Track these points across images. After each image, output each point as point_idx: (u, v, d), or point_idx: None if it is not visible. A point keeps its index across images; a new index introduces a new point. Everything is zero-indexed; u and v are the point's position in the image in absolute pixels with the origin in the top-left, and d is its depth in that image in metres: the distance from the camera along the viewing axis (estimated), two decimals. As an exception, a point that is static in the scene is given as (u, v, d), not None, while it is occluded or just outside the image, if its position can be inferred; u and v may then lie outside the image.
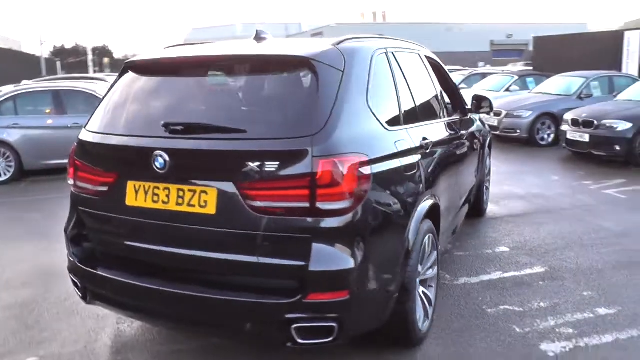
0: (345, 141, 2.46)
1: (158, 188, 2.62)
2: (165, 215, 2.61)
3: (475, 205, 5.54)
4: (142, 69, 3.08)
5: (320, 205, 2.37)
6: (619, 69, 13.84)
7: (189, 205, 2.54)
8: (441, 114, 4.08)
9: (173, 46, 3.38)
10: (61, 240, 5.81)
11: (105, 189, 2.81)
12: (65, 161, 3.25)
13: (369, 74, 2.88)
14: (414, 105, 3.44)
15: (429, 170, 3.29)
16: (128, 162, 2.78)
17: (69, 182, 3.06)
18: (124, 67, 3.08)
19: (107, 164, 2.85)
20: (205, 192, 2.52)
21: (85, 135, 2.97)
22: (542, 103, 11.27)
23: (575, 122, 9.22)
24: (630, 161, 8.44)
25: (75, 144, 3.01)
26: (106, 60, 56.73)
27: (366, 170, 2.51)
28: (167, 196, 2.59)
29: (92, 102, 8.97)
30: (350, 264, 2.42)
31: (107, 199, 2.80)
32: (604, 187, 7.34)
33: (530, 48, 36.97)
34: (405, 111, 3.24)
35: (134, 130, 2.80)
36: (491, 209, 6.24)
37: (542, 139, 11.00)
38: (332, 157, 2.37)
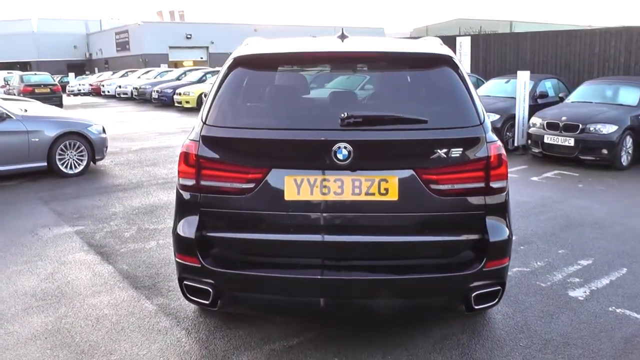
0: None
1: (327, 180, 2.66)
2: (337, 206, 2.68)
3: None
4: (270, 63, 3.01)
5: (492, 184, 2.74)
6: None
7: (367, 194, 2.66)
8: None
9: (259, 41, 3.29)
10: (25, 260, 5.09)
11: (251, 185, 2.71)
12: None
13: None
14: None
15: None
16: (290, 155, 2.72)
17: (184, 183, 2.84)
18: (233, 62, 2.91)
19: (254, 159, 2.73)
20: (385, 180, 2.66)
21: (212, 131, 2.77)
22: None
23: (448, 116, 10.67)
24: (499, 147, 10.08)
25: (198, 141, 2.77)
26: None
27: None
28: (340, 187, 2.66)
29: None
30: (508, 232, 2.84)
31: (256, 196, 2.71)
32: (493, 169, 8.71)
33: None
34: None
35: (297, 123, 2.76)
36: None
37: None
38: (496, 142, 2.76)
